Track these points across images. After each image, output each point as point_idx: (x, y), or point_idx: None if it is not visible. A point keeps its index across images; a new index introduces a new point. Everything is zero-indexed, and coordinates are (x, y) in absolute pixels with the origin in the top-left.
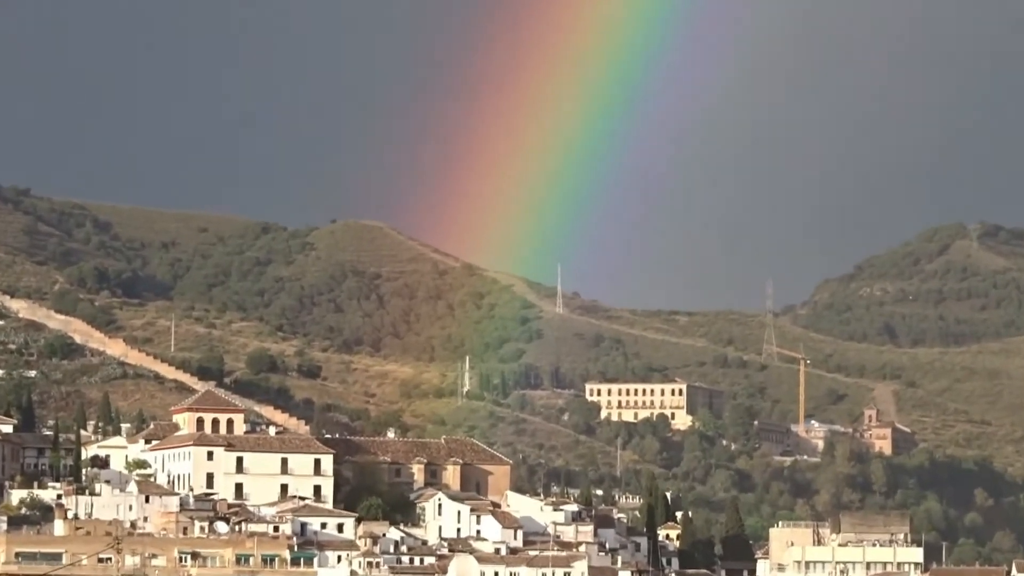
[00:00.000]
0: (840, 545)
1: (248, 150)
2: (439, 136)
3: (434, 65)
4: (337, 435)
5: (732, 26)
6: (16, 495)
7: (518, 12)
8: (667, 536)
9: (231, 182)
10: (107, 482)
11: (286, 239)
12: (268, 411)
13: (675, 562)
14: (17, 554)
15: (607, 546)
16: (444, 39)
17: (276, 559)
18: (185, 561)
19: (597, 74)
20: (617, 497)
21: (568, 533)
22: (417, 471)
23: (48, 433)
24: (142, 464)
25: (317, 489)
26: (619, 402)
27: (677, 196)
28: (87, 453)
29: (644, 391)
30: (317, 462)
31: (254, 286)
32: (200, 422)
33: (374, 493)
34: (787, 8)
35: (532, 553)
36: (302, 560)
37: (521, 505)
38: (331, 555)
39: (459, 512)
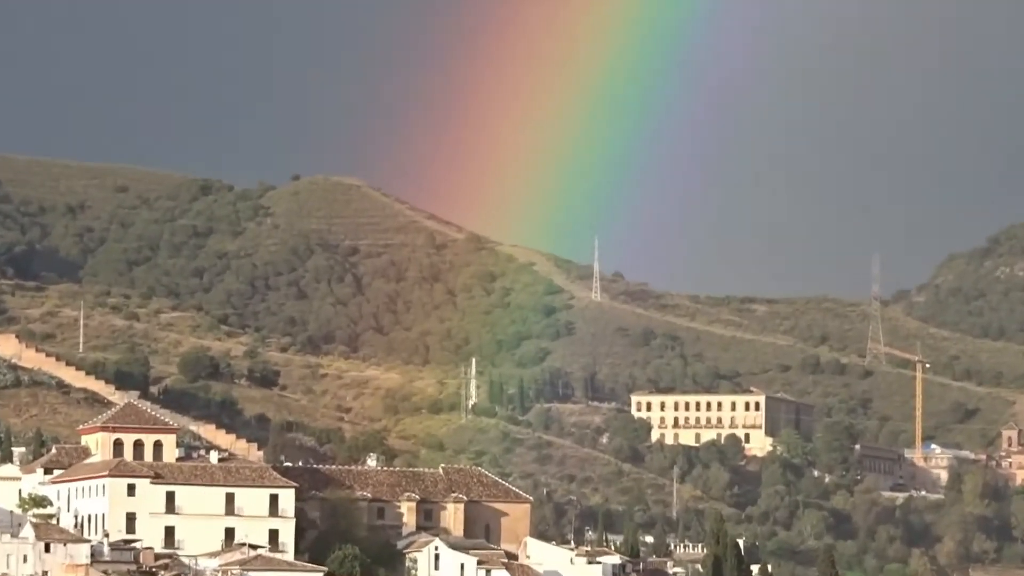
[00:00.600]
0: None
1: (184, 89)
2: (438, 75)
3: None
4: (301, 463)
5: None
6: None
7: None
8: None
9: (160, 128)
10: None
11: (232, 202)
12: (209, 431)
13: None
14: None
15: None
16: None
17: None
18: None
19: (644, 8)
20: (673, 546)
21: None
22: (407, 511)
23: None
24: (41, 501)
25: (274, 535)
26: (675, 419)
27: (751, 152)
28: None
29: (709, 405)
30: (274, 499)
31: (190, 264)
32: (118, 445)
33: (350, 540)
34: None
35: None
36: None
37: (545, 556)
38: None
39: (463, 565)
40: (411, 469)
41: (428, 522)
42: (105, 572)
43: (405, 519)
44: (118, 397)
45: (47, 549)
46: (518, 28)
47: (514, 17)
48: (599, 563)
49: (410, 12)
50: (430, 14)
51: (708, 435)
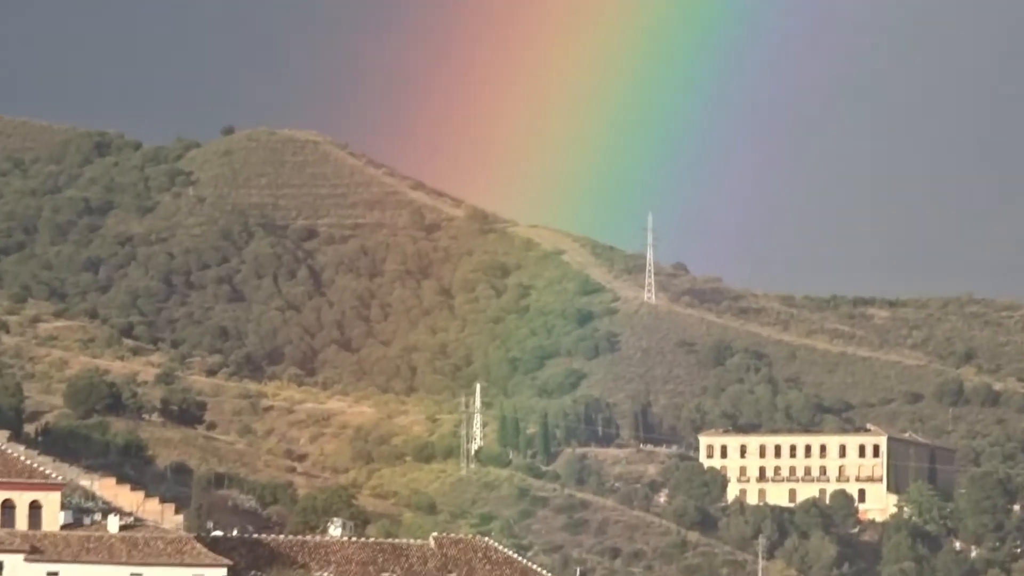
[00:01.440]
0: None
1: (73, 15)
2: (422, 14)
3: None
4: (237, 531)
5: None
6: None
7: None
8: None
9: (39, 63)
10: None
11: (140, 165)
12: (107, 486)
13: None
14: None
15: None
16: None
17: None
18: None
19: None
20: None
21: None
22: None
23: None
24: None
25: None
26: (761, 470)
27: (853, 103)
28: None
29: (808, 449)
30: None
31: (79, 255)
32: None
33: None
34: None
35: None
36: None
37: None
38: None
39: None
40: (391, 540)
41: None
42: None
43: None
44: None
45: None
46: None
47: None
48: None
49: None
50: None
51: (807, 491)
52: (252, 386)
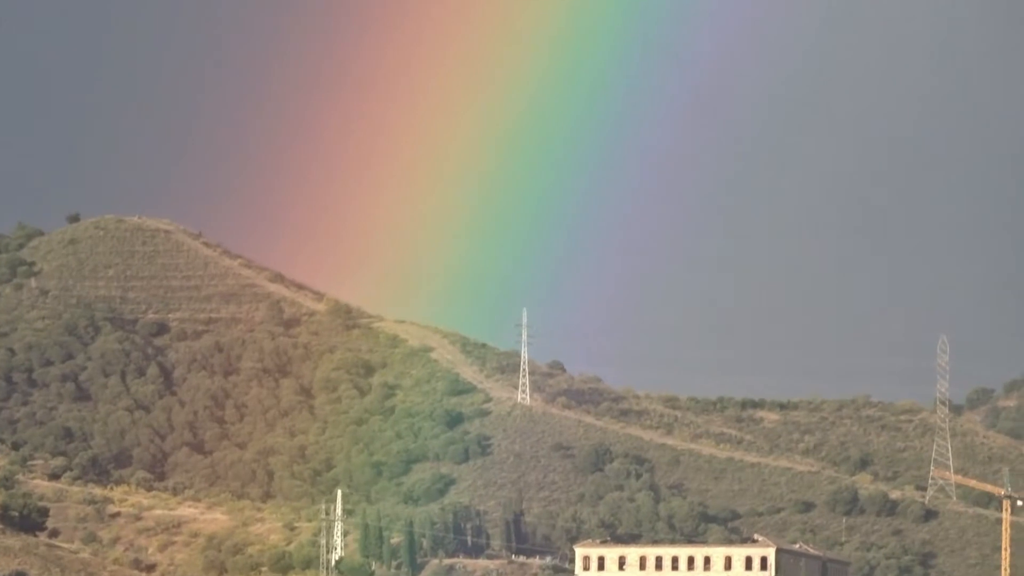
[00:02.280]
0: None
1: None
2: (290, 87)
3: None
4: None
5: None
6: None
7: None
8: None
9: None
10: None
11: None
12: None
13: None
14: None
15: None
16: None
17: None
18: None
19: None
20: None
21: None
22: None
23: None
24: None
25: None
26: None
27: (761, 190)
28: None
29: (692, 562)
30: None
31: None
32: None
33: None
34: None
35: None
36: None
37: None
38: None
39: None
40: None
41: None
42: None
43: None
44: None
45: None
46: (413, 33)
47: (413, 19)
48: None
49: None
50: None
51: None
52: (98, 491)
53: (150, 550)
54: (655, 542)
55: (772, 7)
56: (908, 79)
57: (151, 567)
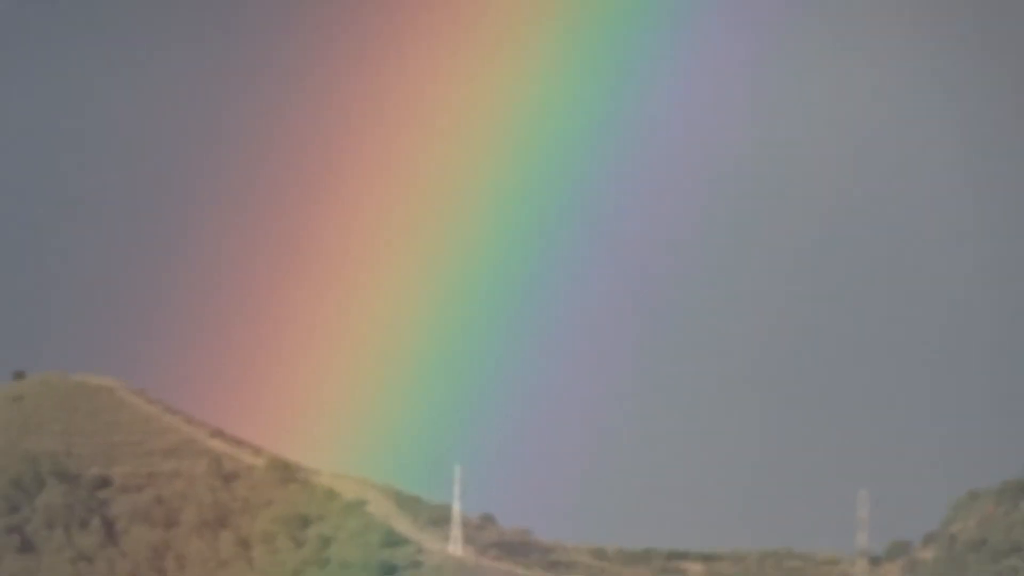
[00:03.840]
0: None
1: None
2: (221, 246)
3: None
4: None
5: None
6: None
7: None
8: None
9: None
10: None
11: None
12: None
13: None
14: None
15: None
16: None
17: None
18: None
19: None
20: None
21: None
22: None
23: None
24: None
25: None
26: None
27: (675, 349)
28: None
29: None
30: None
31: None
32: None
33: None
34: None
35: None
36: None
37: None
38: None
39: None
40: None
41: None
42: None
43: None
44: None
45: None
46: (349, 153)
47: (336, 159)
48: None
49: (204, 137)
50: (229, 144)
51: None
52: None
53: None
54: None
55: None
56: None
57: None
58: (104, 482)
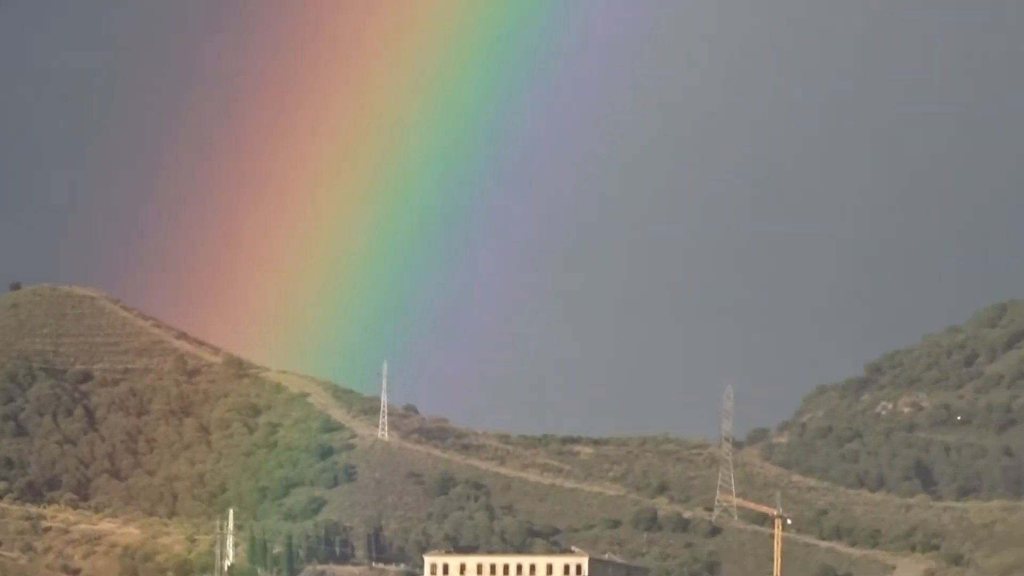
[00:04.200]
0: None
1: None
2: (189, 169)
3: (180, 72)
4: None
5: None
6: None
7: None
8: None
9: None
10: None
11: None
12: None
13: None
14: None
15: None
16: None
17: None
18: None
19: (450, 79)
20: None
21: None
22: None
23: None
24: None
25: None
26: None
27: (571, 265)
28: None
29: (520, 568)
30: None
31: None
32: None
33: None
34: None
35: None
36: None
37: None
38: None
39: None
40: None
41: None
42: None
43: None
44: None
45: None
46: (287, 114)
47: (286, 102)
48: None
49: (161, 92)
50: (182, 99)
51: None
52: (33, 509)
53: (75, 558)
54: (489, 552)
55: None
56: None
57: (76, 572)
58: (86, 377)
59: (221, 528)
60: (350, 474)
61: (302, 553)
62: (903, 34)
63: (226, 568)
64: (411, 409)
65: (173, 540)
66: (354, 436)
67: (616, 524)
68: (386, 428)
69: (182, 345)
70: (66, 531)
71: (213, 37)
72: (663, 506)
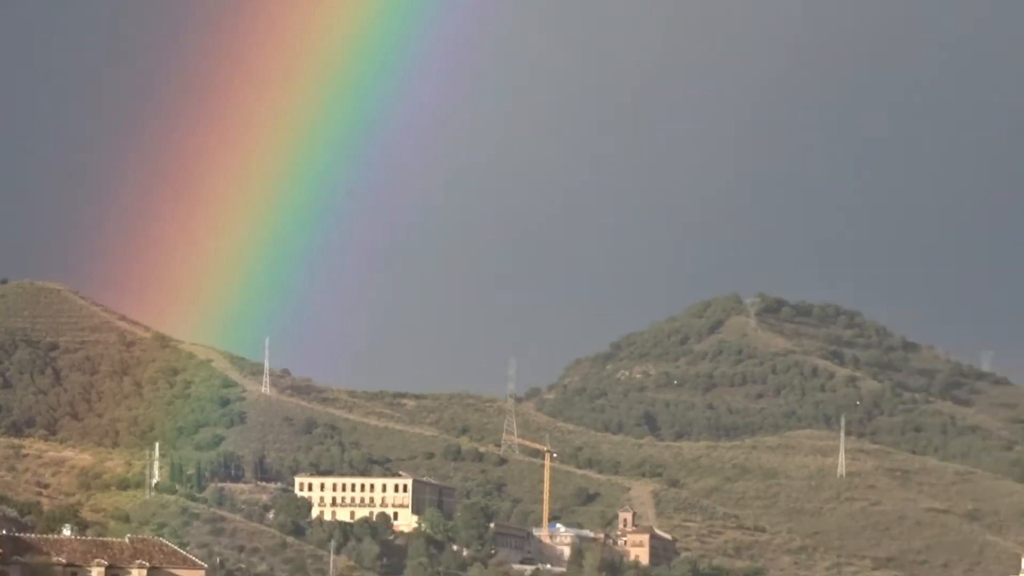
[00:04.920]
0: None
1: None
2: (128, 185)
3: (121, 105)
4: (3, 531)
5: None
6: None
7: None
8: None
9: None
10: None
11: None
12: None
13: None
14: None
15: None
16: (126, 72)
17: None
18: None
19: (316, 110)
20: None
21: None
22: (97, 575)
23: None
24: None
25: None
26: (333, 499)
27: (406, 263)
28: None
29: (363, 486)
30: None
31: None
32: None
33: None
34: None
35: None
36: None
37: None
38: None
39: None
40: (101, 538)
41: None
42: None
43: None
44: None
45: None
46: (197, 131)
47: (195, 117)
48: None
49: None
50: (122, 132)
51: (362, 513)
52: (15, 441)
53: (46, 476)
54: (342, 475)
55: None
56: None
57: (46, 485)
58: (54, 346)
59: (149, 456)
60: (242, 418)
61: (207, 474)
62: None
63: (153, 484)
64: (286, 372)
65: (116, 464)
66: (245, 391)
67: (431, 456)
68: (268, 385)
69: (123, 324)
70: (39, 457)
71: (147, 37)
72: (465, 443)
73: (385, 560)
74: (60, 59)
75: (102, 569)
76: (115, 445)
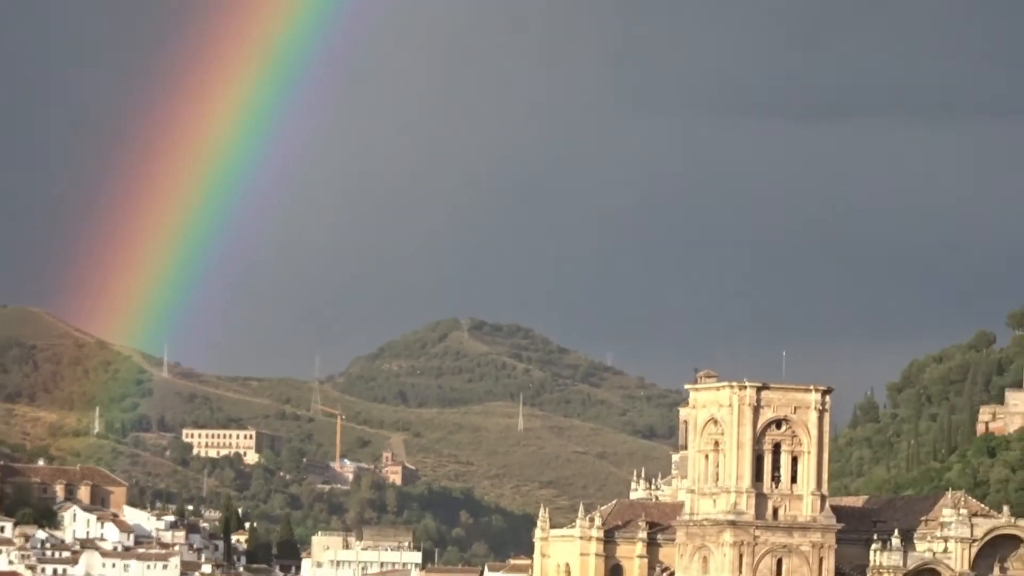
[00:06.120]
0: (363, 549)
1: None
2: (83, 216)
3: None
4: (1, 463)
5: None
6: None
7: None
8: (238, 540)
9: None
10: None
11: None
12: None
13: (243, 560)
14: None
15: (195, 547)
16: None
17: None
18: None
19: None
20: (203, 511)
21: (167, 537)
22: (59, 490)
23: None
24: None
25: None
26: (207, 443)
27: (259, 279)
28: None
29: (225, 436)
30: None
31: None
32: None
33: (28, 505)
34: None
35: (140, 550)
36: None
37: (134, 516)
38: None
39: (88, 520)
40: (63, 467)
41: (71, 496)
42: None
43: (58, 494)
44: None
45: None
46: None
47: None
48: (163, 520)
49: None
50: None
51: (224, 452)
52: (9, 406)
53: (29, 427)
54: (212, 428)
55: None
56: None
57: (28, 433)
58: (35, 347)
59: (93, 416)
60: (151, 392)
61: (128, 427)
62: None
63: (95, 433)
64: (178, 363)
65: (72, 421)
66: (152, 376)
67: (267, 416)
68: (166, 371)
69: (77, 333)
70: (24, 416)
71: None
72: (288, 409)
73: (238, 481)
74: None
75: (62, 486)
76: (71, 409)
